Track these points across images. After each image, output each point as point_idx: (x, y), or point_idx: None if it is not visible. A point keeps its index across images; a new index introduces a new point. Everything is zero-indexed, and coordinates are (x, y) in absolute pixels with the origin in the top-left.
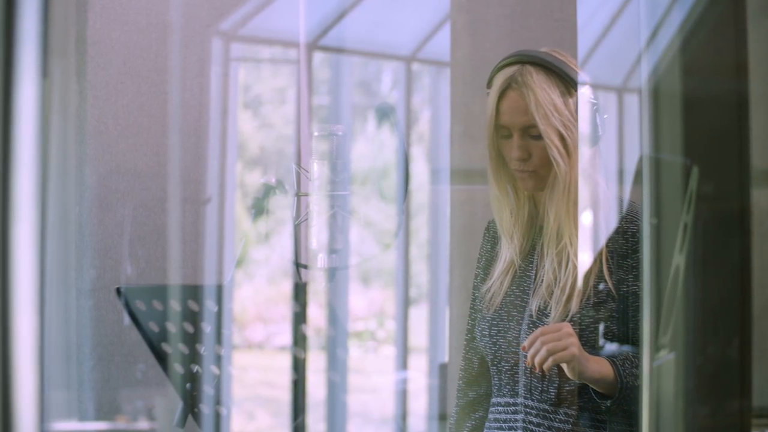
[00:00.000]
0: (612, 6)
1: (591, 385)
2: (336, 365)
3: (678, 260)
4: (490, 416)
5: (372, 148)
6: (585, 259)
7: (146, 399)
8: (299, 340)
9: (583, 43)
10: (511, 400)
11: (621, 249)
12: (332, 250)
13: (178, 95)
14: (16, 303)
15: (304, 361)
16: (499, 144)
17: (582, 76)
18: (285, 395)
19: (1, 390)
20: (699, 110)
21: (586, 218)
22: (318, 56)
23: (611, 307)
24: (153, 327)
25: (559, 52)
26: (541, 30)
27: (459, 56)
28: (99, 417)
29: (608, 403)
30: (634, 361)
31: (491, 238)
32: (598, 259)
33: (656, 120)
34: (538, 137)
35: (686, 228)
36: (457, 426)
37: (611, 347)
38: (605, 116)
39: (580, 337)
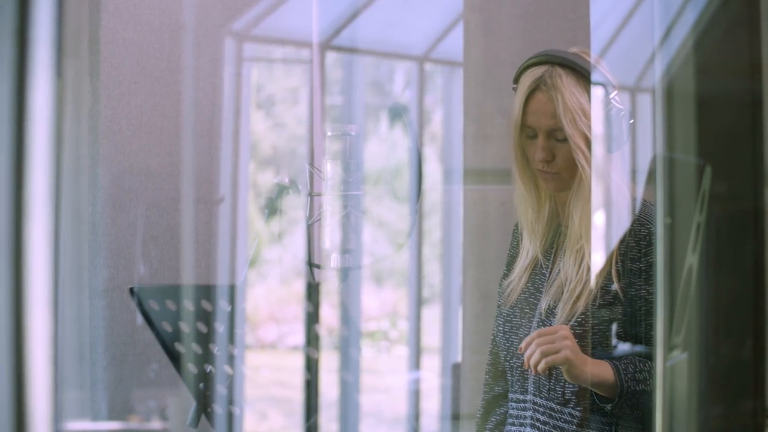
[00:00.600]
0: (625, 6)
1: (590, 388)
2: (349, 365)
3: (691, 260)
4: (508, 411)
5: (385, 148)
6: (598, 260)
7: (159, 399)
8: (312, 340)
9: (596, 42)
10: (521, 397)
11: (631, 252)
12: (345, 250)
13: (191, 95)
14: (30, 303)
15: (317, 361)
16: (523, 143)
17: (611, 79)
18: (297, 395)
19: (15, 390)
20: (712, 110)
21: (601, 220)
22: (331, 56)
23: (618, 310)
24: (166, 327)
25: (588, 54)
26: (555, 30)
27: (472, 56)
28: (112, 417)
29: (609, 406)
30: (638, 365)
31: (518, 236)
32: (609, 262)
33: (669, 120)
34: (564, 140)
35: (699, 228)
36: (482, 419)
37: (616, 350)
38: (631, 121)
39: (584, 338)
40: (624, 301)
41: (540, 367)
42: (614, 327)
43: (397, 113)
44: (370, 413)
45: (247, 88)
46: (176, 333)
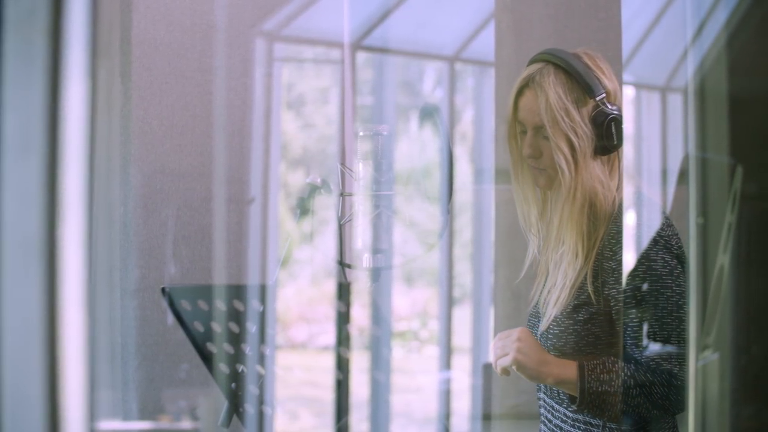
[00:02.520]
0: (655, 6)
1: (557, 388)
2: (380, 365)
3: (722, 260)
4: None
5: (416, 147)
6: (578, 264)
7: (190, 399)
8: (343, 340)
9: (627, 42)
10: (538, 394)
11: (605, 251)
12: (377, 250)
13: (223, 95)
14: (64, 303)
15: (348, 360)
16: (517, 139)
17: (606, 86)
18: (327, 395)
19: (49, 389)
20: (744, 109)
21: (588, 224)
22: (361, 56)
23: (591, 310)
24: (197, 327)
25: (592, 57)
26: (585, 29)
27: (503, 56)
28: (143, 417)
29: (574, 406)
30: (608, 365)
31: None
32: (587, 262)
33: (702, 119)
34: (548, 137)
35: (730, 228)
36: None
37: (595, 349)
38: (622, 126)
39: (561, 338)
40: (598, 301)
41: (497, 370)
42: (589, 327)
43: (428, 113)
44: (401, 413)
45: (278, 89)
46: (207, 333)
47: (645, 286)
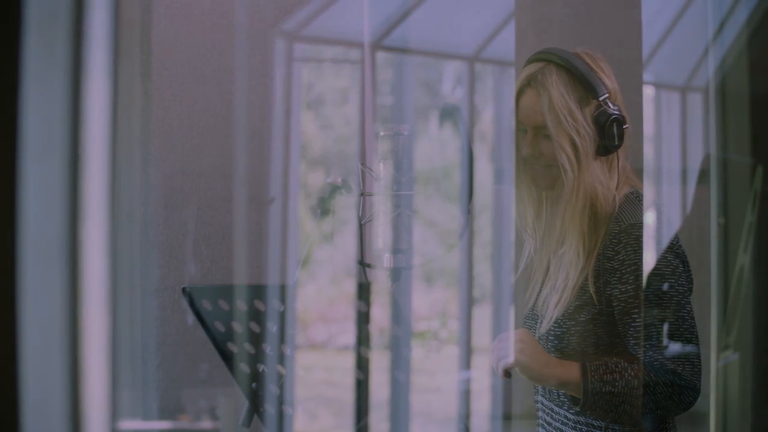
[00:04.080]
0: (676, 5)
1: (559, 390)
2: (399, 365)
3: (743, 260)
4: None
5: (436, 148)
6: (579, 264)
7: (210, 398)
8: (363, 340)
9: (647, 42)
10: (536, 397)
11: (606, 251)
12: (397, 250)
13: (242, 96)
14: (87, 303)
15: (367, 360)
16: (517, 138)
17: (608, 86)
18: (347, 395)
19: (71, 389)
20: (765, 109)
21: (588, 224)
22: (381, 56)
23: (594, 311)
24: (218, 326)
25: (593, 56)
26: (605, 29)
27: (524, 55)
28: (163, 416)
29: (577, 407)
30: (610, 366)
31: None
32: (588, 262)
33: (722, 119)
34: (550, 137)
35: (751, 228)
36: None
37: (598, 350)
38: (625, 126)
39: (563, 339)
40: (600, 302)
41: (498, 371)
42: (591, 327)
43: (448, 113)
44: (420, 413)
45: (298, 89)
46: (228, 333)
47: (649, 287)
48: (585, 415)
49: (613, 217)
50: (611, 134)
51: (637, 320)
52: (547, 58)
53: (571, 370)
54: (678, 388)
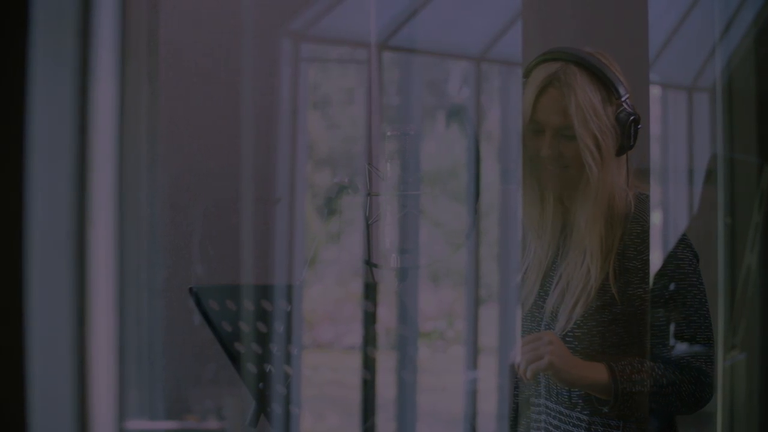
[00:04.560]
0: (682, 5)
1: (587, 391)
2: (406, 365)
3: (750, 259)
4: (530, 415)
5: (443, 148)
6: (599, 264)
7: (217, 398)
8: (370, 340)
9: (654, 41)
10: (536, 401)
11: (627, 251)
12: (404, 250)
13: (249, 95)
14: (93, 303)
15: (374, 360)
16: (528, 138)
17: (623, 82)
18: (354, 395)
19: (78, 389)
20: None
21: (606, 224)
22: (387, 56)
23: (616, 311)
24: (225, 326)
25: (604, 56)
26: (612, 28)
27: (530, 55)
28: (170, 416)
29: (605, 408)
30: (636, 366)
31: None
32: (607, 262)
33: (729, 119)
34: (572, 137)
35: (757, 227)
36: (512, 425)
37: (618, 350)
38: (639, 126)
39: (584, 341)
40: (621, 302)
41: (528, 374)
42: (614, 328)
43: (455, 113)
44: (427, 413)
45: (305, 89)
46: (235, 332)
47: (672, 285)
48: (610, 415)
49: (631, 217)
50: (629, 134)
51: (662, 319)
52: (564, 57)
53: (599, 372)
54: (702, 386)
